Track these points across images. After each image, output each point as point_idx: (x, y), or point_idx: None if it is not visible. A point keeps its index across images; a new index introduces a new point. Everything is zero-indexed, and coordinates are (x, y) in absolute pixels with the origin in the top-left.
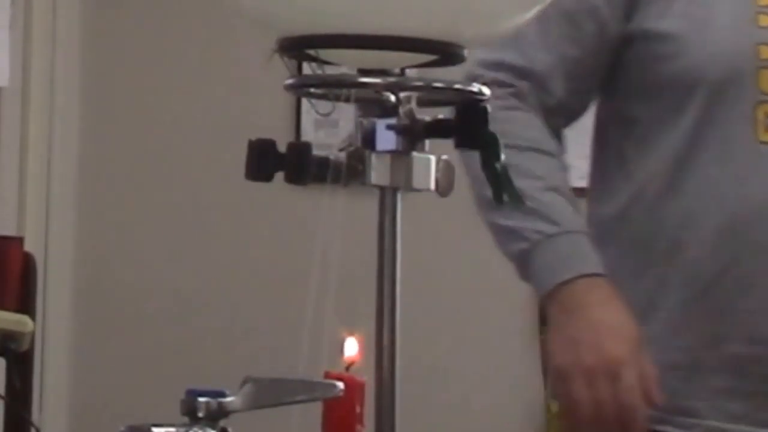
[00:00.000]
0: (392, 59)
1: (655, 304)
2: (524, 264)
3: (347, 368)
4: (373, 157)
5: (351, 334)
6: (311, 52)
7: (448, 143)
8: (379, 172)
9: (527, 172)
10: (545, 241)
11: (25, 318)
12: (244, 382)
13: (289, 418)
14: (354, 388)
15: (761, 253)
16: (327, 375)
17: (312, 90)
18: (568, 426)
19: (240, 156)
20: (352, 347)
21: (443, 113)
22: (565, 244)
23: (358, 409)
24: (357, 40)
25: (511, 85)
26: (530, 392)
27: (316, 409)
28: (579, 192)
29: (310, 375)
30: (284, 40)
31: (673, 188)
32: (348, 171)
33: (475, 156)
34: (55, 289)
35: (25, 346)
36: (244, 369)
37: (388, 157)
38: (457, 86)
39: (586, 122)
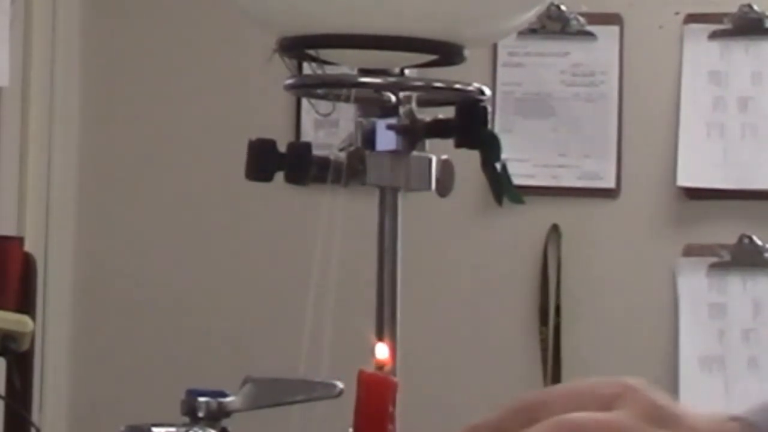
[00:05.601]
0: (392, 59)
1: None
2: None
3: (380, 369)
4: (373, 157)
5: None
6: (311, 52)
7: (448, 143)
8: (379, 172)
9: None
10: None
11: (25, 318)
12: (244, 382)
13: (289, 418)
14: (387, 387)
15: None
16: (361, 374)
17: (312, 90)
18: None
19: (240, 156)
20: (382, 351)
21: (443, 113)
22: None
23: (390, 409)
24: (357, 40)
25: None
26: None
27: (316, 409)
28: (579, 192)
29: (310, 375)
30: (284, 40)
31: None
32: (348, 171)
33: None
34: (55, 289)
35: (25, 346)
36: (244, 369)
37: (387, 157)
38: (457, 86)
39: (586, 123)
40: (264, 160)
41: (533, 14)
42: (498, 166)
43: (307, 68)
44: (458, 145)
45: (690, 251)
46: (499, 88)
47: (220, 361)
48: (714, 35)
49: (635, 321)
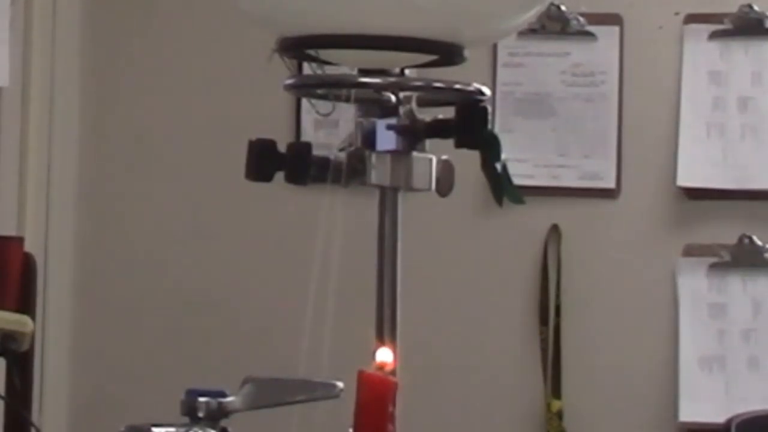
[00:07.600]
0: (392, 59)
1: None
2: None
3: (380, 369)
4: (373, 157)
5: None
6: (311, 52)
7: (448, 143)
8: (379, 172)
9: None
10: None
11: (25, 318)
12: (244, 382)
13: (289, 418)
14: (387, 388)
15: None
16: (361, 374)
17: (312, 90)
18: None
19: (240, 156)
20: (385, 356)
21: (443, 113)
22: None
23: (390, 409)
24: (357, 40)
25: None
26: (530, 392)
27: (316, 409)
28: (579, 192)
29: (310, 375)
30: (284, 40)
31: None
32: (348, 171)
33: None
34: (55, 289)
35: (25, 346)
36: (244, 369)
37: (388, 157)
38: (457, 86)
39: (586, 123)
40: (264, 160)
41: (533, 14)
42: (498, 166)
43: (307, 68)
44: (458, 145)
45: (690, 251)
46: (499, 88)
47: (220, 361)
48: (714, 35)
49: (635, 321)
